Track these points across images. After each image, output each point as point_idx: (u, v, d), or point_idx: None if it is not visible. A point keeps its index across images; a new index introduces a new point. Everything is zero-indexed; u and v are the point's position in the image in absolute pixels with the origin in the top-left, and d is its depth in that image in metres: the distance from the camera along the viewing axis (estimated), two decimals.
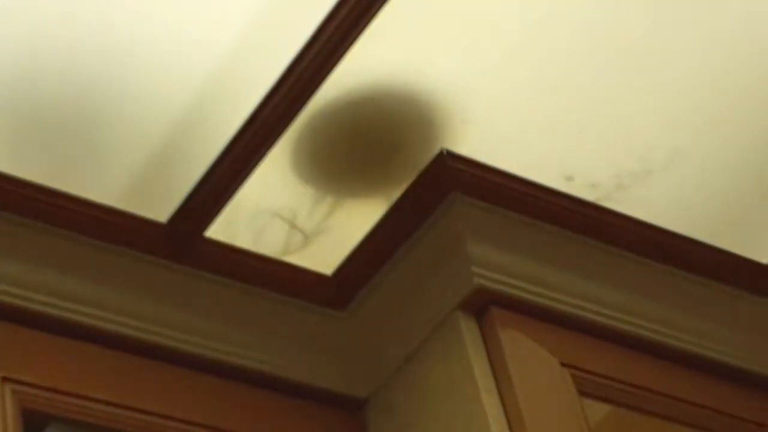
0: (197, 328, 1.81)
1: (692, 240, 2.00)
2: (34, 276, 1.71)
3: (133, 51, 1.62)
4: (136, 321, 1.76)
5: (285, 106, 1.71)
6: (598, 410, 1.87)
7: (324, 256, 1.90)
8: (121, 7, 1.58)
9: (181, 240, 1.81)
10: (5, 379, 1.63)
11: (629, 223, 1.95)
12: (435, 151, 1.82)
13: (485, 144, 1.82)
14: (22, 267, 1.70)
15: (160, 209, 1.79)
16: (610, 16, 1.73)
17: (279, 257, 1.88)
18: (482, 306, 1.83)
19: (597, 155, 1.87)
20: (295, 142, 1.76)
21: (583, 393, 1.84)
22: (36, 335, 1.69)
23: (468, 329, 1.82)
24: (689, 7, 1.74)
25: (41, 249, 1.72)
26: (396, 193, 1.85)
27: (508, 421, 1.75)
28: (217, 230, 1.82)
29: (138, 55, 1.63)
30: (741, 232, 2.03)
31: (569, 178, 1.88)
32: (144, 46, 1.62)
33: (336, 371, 1.91)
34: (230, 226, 1.82)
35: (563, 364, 1.85)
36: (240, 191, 1.78)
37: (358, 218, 1.87)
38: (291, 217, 1.84)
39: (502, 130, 1.81)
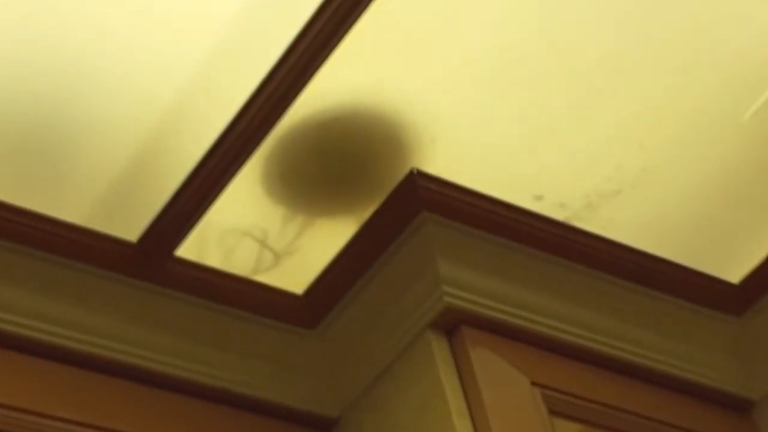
0: (167, 348, 1.81)
1: (662, 259, 2.01)
2: (1, 295, 1.70)
3: (101, 71, 1.62)
4: (105, 340, 1.76)
5: (255, 125, 1.71)
6: (569, 429, 1.88)
7: (295, 276, 1.90)
8: (88, 27, 1.58)
9: (151, 259, 1.81)
10: None
11: (598, 242, 1.95)
12: (405, 170, 1.82)
13: (455, 163, 1.83)
14: None
15: (130, 228, 1.79)
16: (580, 37, 1.74)
17: (250, 276, 1.88)
18: (453, 325, 1.83)
19: (566, 175, 1.88)
20: (265, 162, 1.77)
21: (553, 412, 1.85)
22: (4, 355, 1.68)
23: (439, 348, 1.82)
24: (658, 28, 1.75)
25: (9, 268, 1.72)
26: (366, 213, 1.86)
27: None
28: (187, 249, 1.82)
29: (107, 74, 1.63)
30: (710, 251, 2.04)
31: (539, 198, 1.89)
32: (113, 66, 1.62)
33: (307, 390, 1.91)
34: (201, 246, 1.82)
35: (534, 383, 1.85)
36: (210, 210, 1.78)
37: (328, 237, 1.87)
38: (261, 236, 1.84)
39: (472, 149, 1.82)
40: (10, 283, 1.72)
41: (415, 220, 1.85)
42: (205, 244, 1.83)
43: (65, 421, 1.68)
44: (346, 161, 1.80)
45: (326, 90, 1.70)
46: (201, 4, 1.60)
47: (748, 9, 1.74)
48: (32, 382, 1.70)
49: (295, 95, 1.69)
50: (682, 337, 2.03)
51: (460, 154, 1.82)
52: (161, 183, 1.75)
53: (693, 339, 2.05)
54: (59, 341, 1.73)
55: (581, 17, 1.71)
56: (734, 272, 2.07)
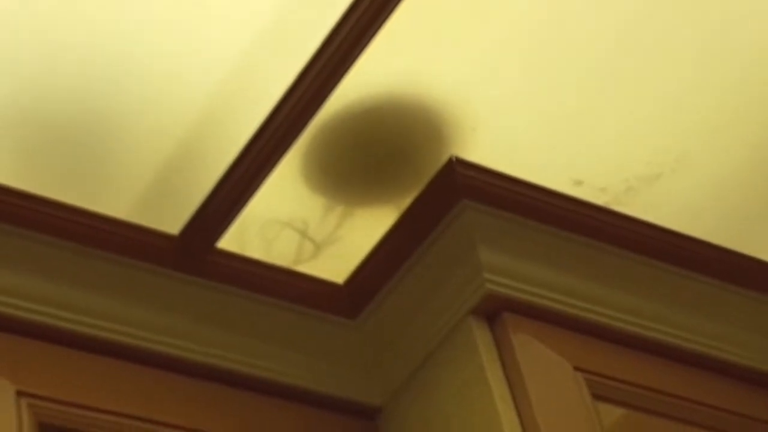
0: (210, 339, 1.81)
1: (703, 242, 2.00)
2: (47, 290, 1.71)
3: (143, 64, 1.63)
4: (149, 333, 1.77)
5: (294, 116, 1.72)
6: (612, 414, 1.87)
7: (335, 265, 1.90)
8: (131, 21, 1.59)
9: (193, 252, 1.81)
10: (20, 393, 1.63)
11: (639, 226, 1.95)
12: (444, 158, 1.82)
13: (494, 151, 1.82)
14: (35, 281, 1.71)
15: (172, 221, 1.80)
16: (618, 21, 1.73)
17: (290, 267, 1.89)
18: (494, 312, 1.83)
19: (606, 159, 1.87)
20: (305, 152, 1.77)
21: (596, 396, 1.84)
22: (49, 349, 1.70)
23: (480, 335, 1.82)
24: (697, 12, 1.75)
25: (54, 263, 1.73)
26: (406, 201, 1.86)
27: (523, 427, 1.75)
28: (228, 241, 1.82)
29: (148, 67, 1.64)
30: (751, 233, 2.03)
31: (578, 183, 1.89)
32: (154, 59, 1.63)
33: (349, 380, 1.91)
34: (242, 237, 1.83)
35: (576, 368, 1.84)
36: (251, 202, 1.79)
37: (368, 227, 1.87)
38: (302, 226, 1.85)
39: (511, 136, 1.82)
40: (53, 278, 1.72)
41: (455, 208, 1.85)
42: (246, 236, 1.83)
43: (111, 413, 1.69)
44: (385, 150, 1.80)
45: (365, 79, 1.70)
46: None
47: None
48: (76, 375, 1.70)
49: (333, 85, 1.69)
50: (723, 319, 2.02)
51: (499, 140, 1.82)
52: (202, 176, 1.76)
53: (735, 321, 2.04)
54: (103, 334, 1.74)
55: (622, 4, 1.71)
56: None
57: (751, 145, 1.91)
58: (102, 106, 1.65)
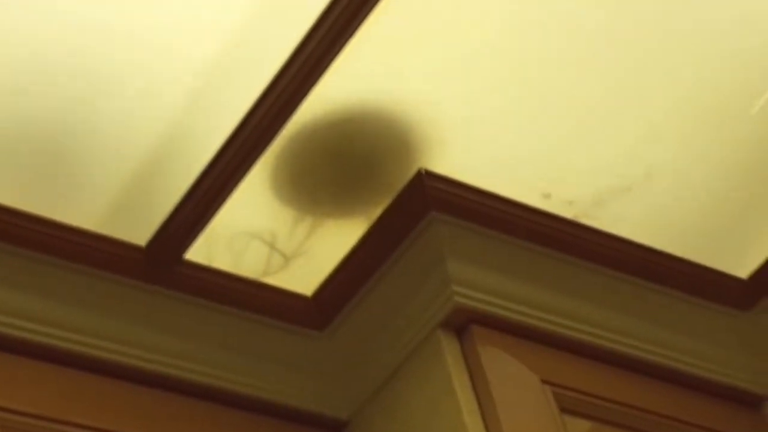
0: (176, 351, 1.81)
1: (671, 256, 2.01)
2: (13, 301, 1.70)
3: (111, 76, 1.62)
4: (116, 345, 1.76)
5: (263, 127, 1.71)
6: (580, 427, 1.87)
7: (304, 277, 1.90)
8: (99, 32, 1.58)
9: (160, 263, 1.80)
10: None
11: (607, 239, 1.95)
12: (413, 171, 1.82)
13: (463, 163, 1.83)
14: (1, 294, 1.70)
15: (139, 232, 1.79)
16: (589, 36, 1.74)
17: (259, 279, 1.88)
18: (463, 324, 1.83)
19: (574, 173, 1.88)
20: (273, 164, 1.77)
21: (564, 410, 1.85)
22: (15, 360, 1.68)
23: (449, 348, 1.82)
24: (668, 26, 1.75)
25: (20, 274, 1.72)
26: (375, 214, 1.86)
27: None
28: (196, 253, 1.82)
29: (116, 79, 1.63)
30: (719, 247, 2.04)
31: (547, 196, 1.89)
32: (122, 71, 1.62)
33: (316, 392, 1.91)
34: (210, 249, 1.82)
35: (544, 381, 1.85)
36: (219, 213, 1.78)
37: (337, 239, 1.87)
38: (270, 238, 1.84)
39: (480, 149, 1.82)
40: (18, 288, 1.72)
41: (424, 221, 1.85)
42: (214, 247, 1.83)
43: (74, 426, 1.69)
44: (354, 163, 1.79)
45: (334, 91, 1.70)
46: (207, 10, 1.60)
47: (758, 6, 1.74)
48: (41, 386, 1.69)
49: (303, 97, 1.69)
50: (691, 333, 2.03)
51: (468, 153, 1.82)
52: (169, 187, 1.75)
53: (702, 335, 2.05)
54: (68, 345, 1.73)
55: (591, 18, 1.72)
56: (743, 268, 2.07)
57: (721, 157, 1.92)
58: (69, 117, 1.65)
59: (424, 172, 1.82)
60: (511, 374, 1.83)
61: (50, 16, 1.56)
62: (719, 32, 1.78)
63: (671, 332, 2.01)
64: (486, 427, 1.77)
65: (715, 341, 2.06)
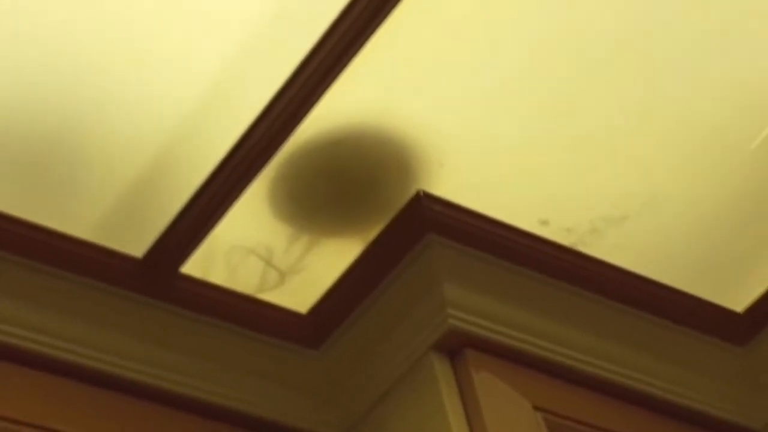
0: (170, 364, 1.81)
1: (666, 287, 2.01)
2: (6, 309, 1.70)
3: (111, 86, 1.63)
4: (108, 355, 1.76)
5: (263, 144, 1.72)
6: None
7: (299, 295, 1.90)
8: (96, 42, 1.59)
9: (156, 275, 1.81)
10: None
11: (603, 268, 1.95)
12: (411, 192, 1.82)
13: (461, 186, 1.83)
14: None
15: (136, 244, 1.79)
16: (587, 64, 1.75)
17: (254, 294, 1.88)
18: (456, 348, 1.83)
19: (572, 200, 1.88)
20: (272, 181, 1.77)
21: None
22: (9, 369, 1.69)
23: (441, 370, 1.82)
24: (667, 56, 1.76)
25: (14, 282, 1.72)
26: (372, 234, 1.86)
27: None
28: (192, 266, 1.82)
29: (117, 88, 1.64)
30: (715, 279, 2.04)
31: (544, 222, 1.89)
32: (124, 82, 1.63)
33: (309, 410, 1.91)
34: (206, 263, 1.83)
35: (536, 408, 1.85)
36: (216, 228, 1.78)
37: (333, 257, 1.87)
38: (267, 254, 1.85)
39: (478, 172, 1.82)
40: (12, 296, 1.72)
41: (421, 242, 1.85)
42: (210, 262, 1.83)
43: None
44: (353, 182, 1.80)
45: (335, 110, 1.70)
46: (211, 23, 1.60)
47: (758, 39, 1.75)
48: (33, 395, 1.69)
49: (303, 115, 1.69)
50: (685, 365, 2.03)
51: (467, 177, 1.83)
52: (168, 199, 1.76)
53: (696, 367, 2.04)
54: (61, 355, 1.73)
55: (590, 45, 1.72)
56: (739, 301, 2.07)
57: (718, 190, 1.92)
58: (68, 126, 1.65)
59: (422, 193, 1.83)
60: (504, 399, 1.83)
61: (48, 27, 1.56)
62: (722, 65, 1.78)
63: (666, 363, 2.01)
64: None
65: (710, 374, 2.06)
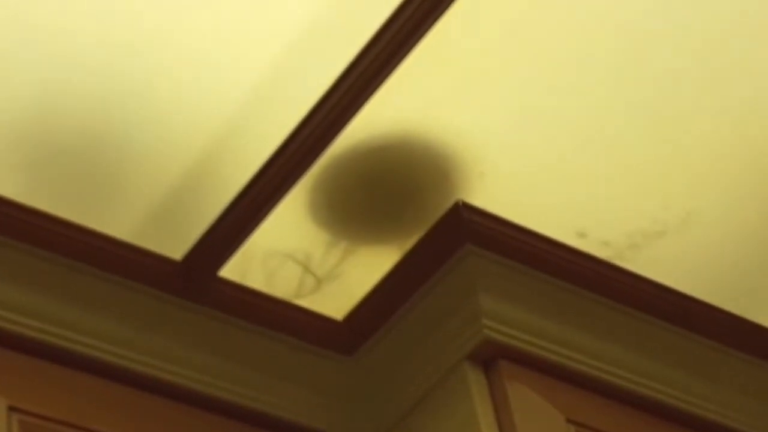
0: (205, 366, 1.82)
1: (704, 303, 2.00)
2: (43, 306, 1.72)
3: (156, 87, 1.64)
4: (145, 356, 1.77)
5: (304, 150, 1.72)
6: None
7: (335, 301, 1.91)
8: (141, 47, 1.60)
9: (194, 278, 1.82)
10: (12, 408, 1.63)
11: (641, 282, 1.95)
12: (450, 202, 1.83)
13: (500, 197, 1.83)
14: (32, 296, 1.71)
15: (176, 246, 1.80)
16: (631, 75, 1.74)
17: (291, 300, 1.89)
18: (491, 358, 1.83)
19: (611, 213, 1.87)
20: (312, 187, 1.78)
21: None
22: (43, 366, 1.70)
23: (475, 380, 1.82)
24: (711, 71, 1.75)
25: (54, 280, 1.74)
26: (410, 243, 1.86)
27: None
28: (231, 270, 1.83)
29: (163, 91, 1.65)
30: (754, 297, 2.03)
31: (582, 235, 1.89)
32: (169, 84, 1.64)
33: (342, 417, 1.91)
34: (244, 267, 1.83)
35: (569, 420, 1.84)
36: (255, 232, 1.79)
37: (371, 265, 1.88)
38: (305, 260, 1.85)
39: (518, 184, 1.82)
40: (51, 295, 1.73)
41: (459, 252, 1.85)
42: (248, 266, 1.83)
43: None
44: (392, 190, 1.80)
45: (376, 119, 1.71)
46: (254, 30, 1.61)
47: None
48: (68, 393, 1.70)
49: (345, 123, 1.69)
50: (720, 382, 2.02)
51: (506, 187, 1.83)
52: (209, 203, 1.77)
53: (731, 384, 2.03)
54: (97, 354, 1.74)
55: (633, 55, 1.72)
56: None
57: (758, 205, 1.91)
58: (113, 126, 1.66)
59: (461, 203, 1.83)
60: (537, 411, 1.82)
61: (93, 22, 1.57)
62: (764, 80, 1.78)
63: (700, 380, 2.00)
64: None
65: (747, 392, 2.05)
